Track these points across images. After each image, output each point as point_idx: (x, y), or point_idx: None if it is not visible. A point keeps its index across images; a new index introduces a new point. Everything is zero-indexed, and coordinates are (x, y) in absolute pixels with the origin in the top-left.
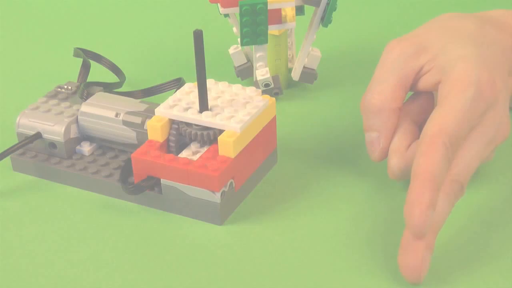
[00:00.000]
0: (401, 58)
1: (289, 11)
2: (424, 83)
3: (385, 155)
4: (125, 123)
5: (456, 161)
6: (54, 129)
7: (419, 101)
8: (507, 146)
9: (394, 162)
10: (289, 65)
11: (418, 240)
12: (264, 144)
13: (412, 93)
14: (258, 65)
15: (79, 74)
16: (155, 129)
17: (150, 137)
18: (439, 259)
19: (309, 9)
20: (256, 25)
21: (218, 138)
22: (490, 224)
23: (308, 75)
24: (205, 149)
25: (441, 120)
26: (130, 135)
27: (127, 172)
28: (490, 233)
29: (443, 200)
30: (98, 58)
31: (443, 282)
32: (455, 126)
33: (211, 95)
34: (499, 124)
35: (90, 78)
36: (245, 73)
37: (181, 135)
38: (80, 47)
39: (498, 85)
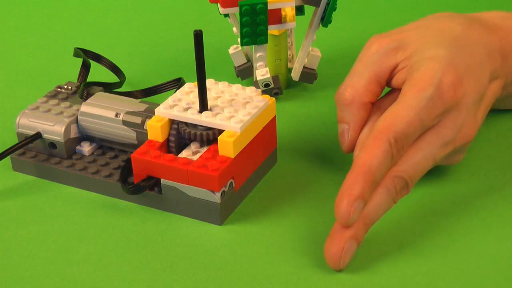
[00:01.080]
0: (379, 54)
1: (289, 11)
2: (396, 81)
3: (353, 147)
4: (125, 123)
5: (405, 158)
6: (54, 129)
7: (393, 97)
8: (508, 146)
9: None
10: (289, 65)
11: (344, 229)
12: (264, 144)
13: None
14: (258, 65)
15: (79, 74)
16: (155, 129)
17: (150, 137)
18: (437, 255)
19: (309, 9)
20: (256, 25)
21: (218, 138)
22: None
23: (308, 75)
24: (205, 149)
25: (392, 116)
26: (130, 135)
27: (127, 172)
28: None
29: (382, 194)
30: (98, 58)
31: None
32: (405, 123)
33: (211, 95)
34: (460, 127)
35: (90, 78)
36: (245, 73)
37: (181, 135)
38: (80, 47)
39: (464, 88)
